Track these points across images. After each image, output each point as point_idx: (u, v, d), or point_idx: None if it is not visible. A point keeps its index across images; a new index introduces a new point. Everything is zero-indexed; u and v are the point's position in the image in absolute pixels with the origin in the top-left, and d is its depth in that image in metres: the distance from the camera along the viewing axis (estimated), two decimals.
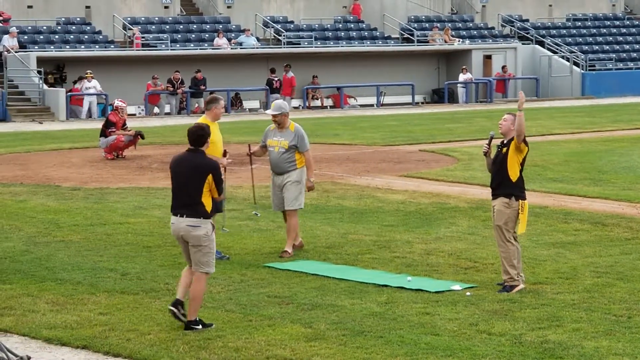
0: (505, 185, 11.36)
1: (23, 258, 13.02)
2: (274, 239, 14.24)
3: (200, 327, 9.70)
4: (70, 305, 10.63)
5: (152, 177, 21.31)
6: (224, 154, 12.80)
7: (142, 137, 25.24)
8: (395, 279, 11.37)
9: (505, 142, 11.46)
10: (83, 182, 20.60)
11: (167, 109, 40.07)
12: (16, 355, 3.39)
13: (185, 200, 9.74)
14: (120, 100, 26.07)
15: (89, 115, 38.24)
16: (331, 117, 38.63)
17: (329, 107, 43.47)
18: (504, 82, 46.11)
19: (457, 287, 11.21)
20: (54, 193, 18.90)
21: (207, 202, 9.69)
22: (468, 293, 11.03)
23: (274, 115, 13.33)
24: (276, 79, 41.43)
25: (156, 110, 39.89)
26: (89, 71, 38.09)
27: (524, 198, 11.36)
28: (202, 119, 13.09)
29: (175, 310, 9.69)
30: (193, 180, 9.71)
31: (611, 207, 16.96)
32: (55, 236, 14.55)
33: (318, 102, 43.73)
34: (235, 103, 41.70)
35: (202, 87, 40.00)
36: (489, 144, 11.59)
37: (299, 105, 43.20)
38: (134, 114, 38.15)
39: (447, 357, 8.71)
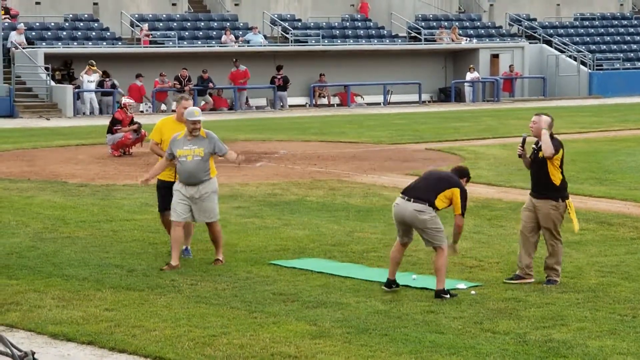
0: (550, 189, 11.52)
1: (29, 254, 13.06)
2: (279, 236, 14.26)
3: (448, 296, 10.63)
4: (76, 301, 10.66)
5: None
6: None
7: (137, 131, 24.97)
8: (401, 277, 11.39)
9: (539, 143, 11.56)
10: (90, 178, 20.64)
11: (174, 106, 40.06)
12: (20, 350, 3.41)
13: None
14: (128, 97, 26.10)
15: (91, 110, 38.23)
16: (338, 115, 38.64)
17: (335, 105, 43.48)
18: (511, 82, 46.09)
19: (462, 285, 11.23)
20: (61, 189, 18.95)
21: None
22: (473, 292, 11.05)
23: (197, 122, 12.27)
24: (279, 76, 41.46)
25: (163, 107, 39.93)
26: (92, 61, 38.02)
27: (567, 197, 11.57)
28: (168, 117, 13.28)
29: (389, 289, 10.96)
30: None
31: (617, 207, 16.97)
32: (61, 232, 14.58)
33: (325, 100, 43.74)
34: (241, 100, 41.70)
35: (210, 85, 40.06)
36: (522, 146, 11.69)
37: (306, 103, 43.23)
38: (142, 111, 38.20)
39: (452, 356, 8.73)
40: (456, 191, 10.96)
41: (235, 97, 40.83)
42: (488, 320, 9.88)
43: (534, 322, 9.80)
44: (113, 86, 37.99)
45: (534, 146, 11.68)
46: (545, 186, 11.52)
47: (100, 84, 38.18)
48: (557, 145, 11.51)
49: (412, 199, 10.91)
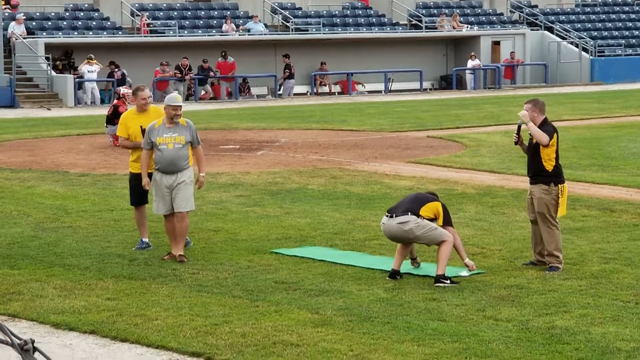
0: (543, 174, 11.54)
1: (31, 244, 13.04)
2: (281, 225, 14.24)
3: (448, 282, 10.65)
4: (78, 290, 10.65)
5: None
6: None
7: None
8: (402, 265, 11.36)
9: None
10: (91, 168, 20.62)
11: None
12: (20, 339, 3.38)
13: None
14: (127, 88, 26.02)
15: (92, 100, 38.21)
16: (339, 103, 38.60)
17: (336, 93, 43.43)
18: (512, 68, 46.01)
19: (464, 273, 11.21)
20: (62, 179, 18.93)
21: None
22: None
23: (178, 107, 12.18)
24: (285, 64, 41.54)
25: (164, 96, 39.87)
26: (91, 55, 38.04)
27: (562, 182, 11.48)
28: (130, 109, 13.25)
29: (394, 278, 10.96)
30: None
31: (619, 193, 16.94)
32: (63, 222, 14.57)
33: (326, 89, 43.69)
34: (243, 89, 41.68)
35: (212, 74, 40.00)
36: (518, 134, 11.69)
37: (307, 92, 43.18)
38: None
39: (454, 343, 8.71)
40: (439, 205, 11.22)
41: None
42: (490, 307, 9.87)
43: (537, 309, 9.79)
44: (123, 76, 37.89)
45: (529, 132, 11.70)
46: (539, 171, 11.54)
47: (110, 74, 38.16)
48: (551, 131, 11.49)
49: (394, 215, 11.02)
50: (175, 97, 12.42)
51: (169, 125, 12.20)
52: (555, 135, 11.54)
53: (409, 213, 10.98)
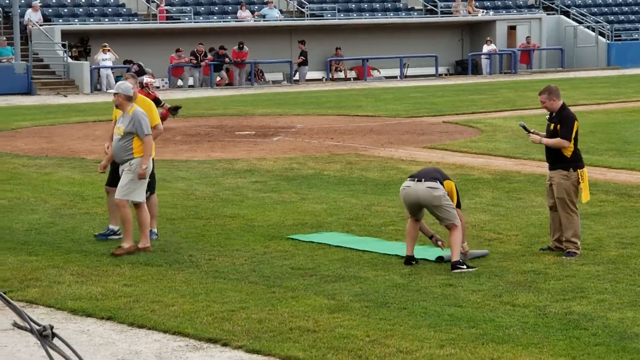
0: (562, 160, 11.52)
1: (49, 230, 13.08)
2: (297, 210, 14.24)
3: (465, 267, 10.64)
4: (95, 276, 10.68)
5: (176, 150, 21.35)
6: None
7: (174, 114, 24.98)
8: (419, 251, 11.36)
9: (554, 114, 11.56)
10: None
11: (190, 81, 40.11)
12: (38, 325, 3.39)
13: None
14: (149, 76, 25.95)
15: (108, 87, 38.28)
16: (354, 89, 38.54)
17: (352, 79, 43.37)
18: (528, 53, 45.84)
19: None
20: (79, 165, 18.97)
21: None
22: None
23: (114, 95, 12.03)
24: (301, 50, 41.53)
25: (180, 82, 39.92)
26: (105, 44, 38.09)
27: (582, 167, 11.46)
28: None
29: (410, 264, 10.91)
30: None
31: (636, 178, 16.86)
32: (80, 208, 14.60)
33: (341, 74, 43.63)
34: (257, 75, 41.67)
35: (227, 60, 40.00)
36: (529, 131, 11.69)
37: (323, 77, 43.14)
38: (158, 87, 38.17)
39: (471, 329, 8.70)
40: (453, 185, 11.25)
41: (252, 72, 40.77)
42: (507, 293, 9.84)
43: (554, 295, 9.76)
44: (140, 67, 37.82)
45: (548, 118, 11.69)
46: (558, 157, 11.51)
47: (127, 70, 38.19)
48: (570, 124, 11.45)
49: (422, 180, 11.00)
50: (118, 84, 12.20)
51: (123, 115, 12.09)
52: (576, 123, 11.51)
53: (437, 181, 11.03)
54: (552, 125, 11.53)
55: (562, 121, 11.45)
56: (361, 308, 9.36)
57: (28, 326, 3.33)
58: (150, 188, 12.53)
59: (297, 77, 42.01)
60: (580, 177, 11.46)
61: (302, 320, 8.99)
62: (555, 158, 11.53)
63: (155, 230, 12.58)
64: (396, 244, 12.01)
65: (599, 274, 10.59)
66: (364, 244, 12.11)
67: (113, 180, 12.46)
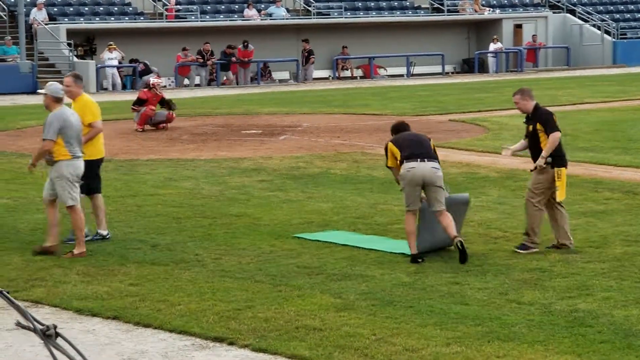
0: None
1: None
2: (303, 209, 14.25)
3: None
4: (101, 276, 10.69)
5: (182, 149, 21.36)
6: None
7: (171, 107, 25.04)
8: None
9: (530, 116, 11.72)
10: (113, 153, 20.66)
11: (197, 80, 40.12)
12: (42, 324, 3.40)
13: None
14: (155, 76, 26.00)
15: (113, 86, 38.31)
16: (361, 87, 38.52)
17: (358, 77, 43.35)
18: (534, 52, 45.79)
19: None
20: None
21: None
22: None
23: (43, 96, 11.88)
24: (309, 48, 41.52)
25: (186, 81, 39.94)
26: (111, 42, 38.12)
27: (561, 165, 11.45)
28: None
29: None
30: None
31: None
32: (85, 208, 14.59)
33: (348, 73, 43.61)
34: (264, 74, 41.66)
35: (233, 59, 39.99)
36: (512, 151, 12.14)
37: (329, 76, 43.12)
38: (164, 86, 38.20)
39: (477, 327, 8.70)
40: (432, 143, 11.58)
41: (258, 71, 40.77)
42: (513, 290, 9.84)
43: (559, 293, 9.75)
44: (146, 66, 37.85)
45: (524, 121, 11.87)
46: (539, 154, 11.56)
47: (133, 69, 38.26)
48: (549, 113, 11.60)
49: (425, 159, 11.12)
50: (47, 84, 12.09)
51: None
52: (554, 117, 11.65)
53: (437, 161, 11.29)
54: (530, 127, 11.67)
55: (540, 120, 11.58)
56: (367, 306, 9.36)
57: (31, 326, 3.34)
58: (90, 189, 12.40)
59: (306, 75, 41.91)
60: (557, 175, 11.45)
61: (309, 318, 8.99)
62: (535, 156, 11.64)
63: (102, 232, 12.41)
64: (402, 243, 12.00)
65: (604, 271, 10.58)
66: (370, 242, 12.11)
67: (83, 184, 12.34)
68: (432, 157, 11.24)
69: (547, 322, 8.83)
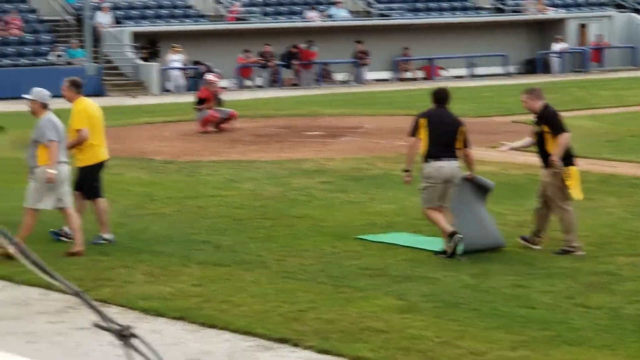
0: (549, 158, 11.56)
1: (119, 230, 13.17)
2: (365, 211, 14.20)
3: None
4: (165, 276, 10.74)
5: (244, 150, 21.41)
6: None
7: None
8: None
9: (538, 117, 11.71)
10: (176, 155, 20.78)
11: (258, 81, 40.24)
12: (119, 325, 3.40)
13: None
14: (213, 74, 26.11)
15: (177, 88, 38.55)
16: (422, 88, 38.30)
17: (420, 78, 43.18)
18: (599, 52, 45.25)
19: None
20: (148, 166, 19.11)
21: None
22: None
23: (30, 101, 11.85)
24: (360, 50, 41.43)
25: (248, 82, 40.08)
26: (174, 44, 38.37)
27: (569, 164, 11.46)
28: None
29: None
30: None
31: None
32: (149, 209, 14.70)
33: (409, 74, 43.47)
34: (325, 75, 41.65)
35: (294, 62, 40.02)
36: (510, 148, 12.83)
37: (390, 77, 43.01)
38: (226, 87, 38.38)
39: (544, 330, 8.59)
40: (464, 129, 11.75)
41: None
42: (580, 294, 9.71)
43: (628, 296, 9.60)
44: (208, 68, 38.04)
45: (534, 121, 11.85)
46: (547, 159, 11.54)
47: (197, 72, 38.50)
48: (554, 113, 11.57)
49: (449, 158, 11.40)
50: (33, 89, 12.08)
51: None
52: (560, 116, 11.65)
53: (457, 159, 11.51)
54: (536, 128, 11.57)
55: (547, 121, 11.48)
56: (431, 308, 9.29)
57: (107, 326, 3.34)
58: (93, 193, 12.44)
59: (366, 76, 41.81)
60: (565, 174, 11.33)
61: (372, 320, 8.95)
62: (545, 158, 11.62)
63: (106, 235, 12.39)
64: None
65: None
66: (433, 244, 12.03)
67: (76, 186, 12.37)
68: (455, 154, 11.47)
69: (615, 326, 8.69)
